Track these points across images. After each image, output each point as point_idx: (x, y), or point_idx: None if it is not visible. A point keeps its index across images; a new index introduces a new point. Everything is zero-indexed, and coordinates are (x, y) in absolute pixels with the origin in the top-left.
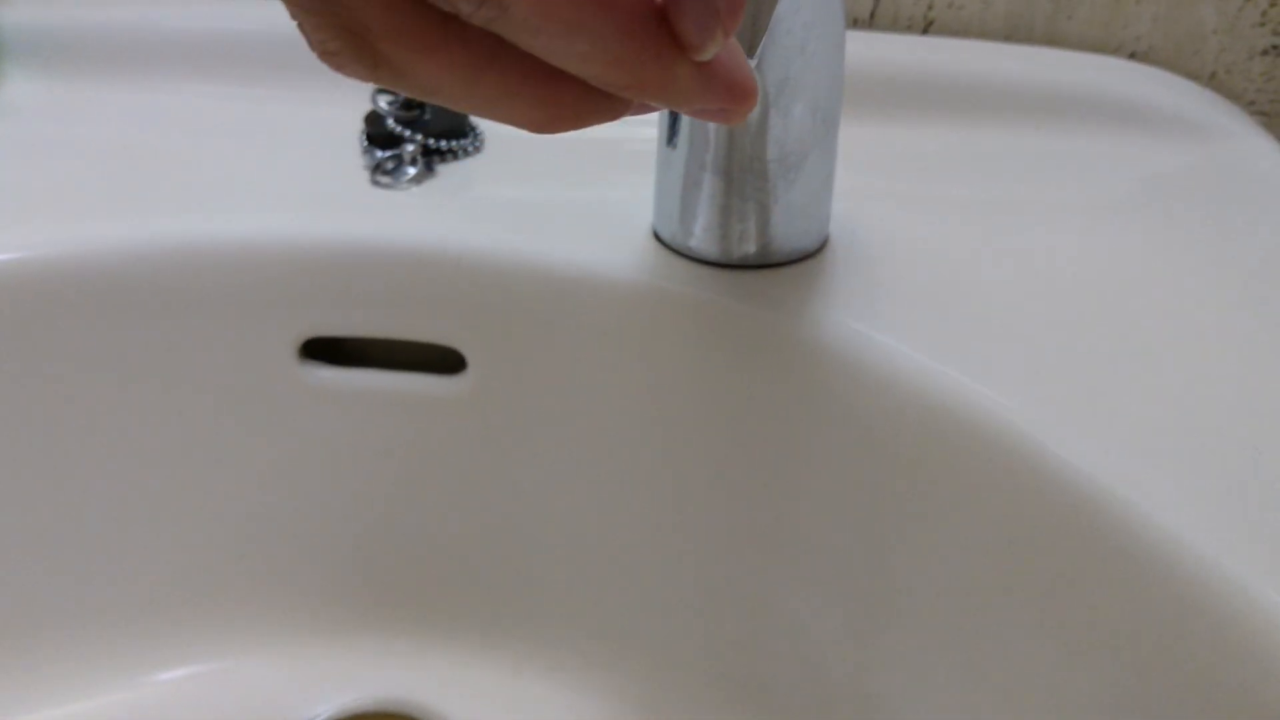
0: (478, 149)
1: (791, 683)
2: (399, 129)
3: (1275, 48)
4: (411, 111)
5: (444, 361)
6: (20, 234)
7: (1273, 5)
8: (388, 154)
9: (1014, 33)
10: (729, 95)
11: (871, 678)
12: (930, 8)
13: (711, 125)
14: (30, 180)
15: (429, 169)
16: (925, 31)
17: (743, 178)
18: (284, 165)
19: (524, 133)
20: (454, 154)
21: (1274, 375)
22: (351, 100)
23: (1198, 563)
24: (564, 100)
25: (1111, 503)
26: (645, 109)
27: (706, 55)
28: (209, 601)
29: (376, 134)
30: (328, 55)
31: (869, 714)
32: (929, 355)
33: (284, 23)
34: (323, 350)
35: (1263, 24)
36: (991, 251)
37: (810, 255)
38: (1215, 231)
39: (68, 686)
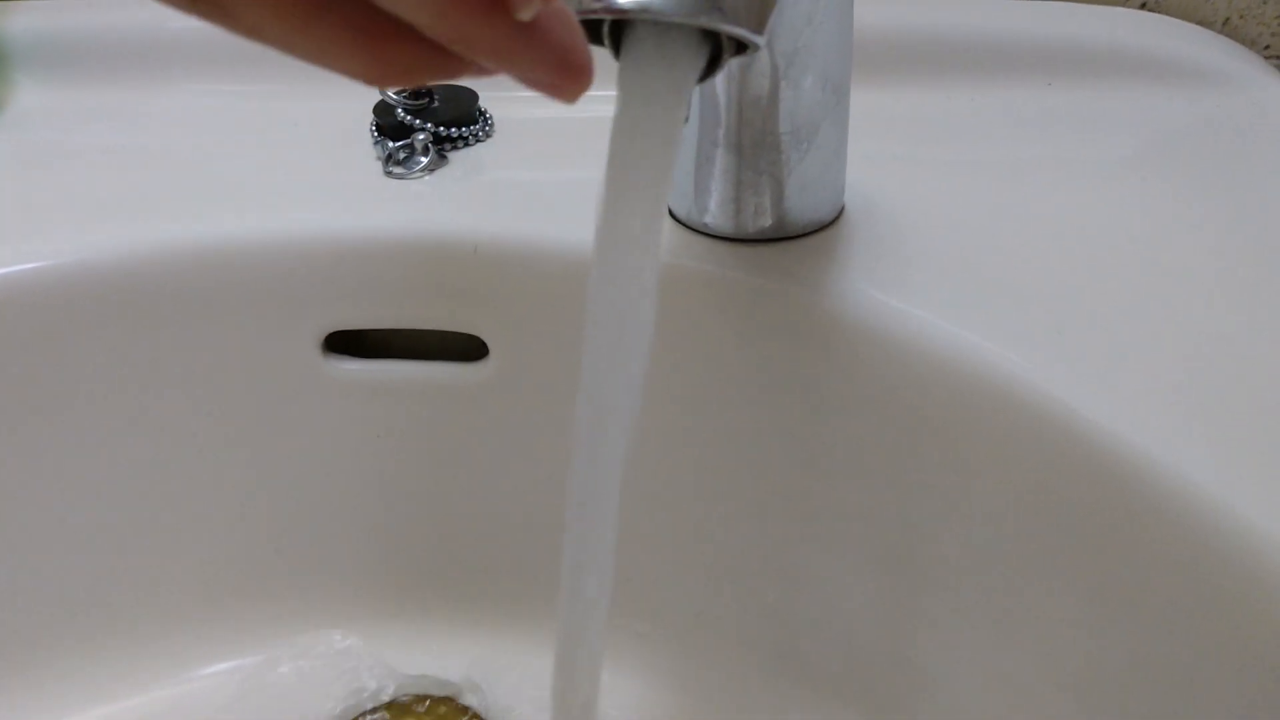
0: (488, 134)
1: (825, 649)
2: (409, 119)
3: None
4: (420, 101)
5: (466, 349)
6: (39, 243)
7: None
8: (399, 144)
9: None
10: (560, 68)
11: (904, 642)
12: None
13: (722, 100)
14: (45, 187)
15: (440, 156)
16: None
17: (755, 152)
18: (296, 161)
19: (533, 117)
20: (465, 140)
21: None
22: (360, 93)
23: (1231, 520)
24: (394, 57)
25: (1141, 462)
26: (483, 72)
27: (526, 15)
28: (248, 594)
29: (387, 125)
30: None
31: (902, 678)
32: (950, 320)
33: None
34: (345, 343)
35: None
36: (1008, 213)
37: (826, 225)
38: (1234, 182)
39: (114, 684)
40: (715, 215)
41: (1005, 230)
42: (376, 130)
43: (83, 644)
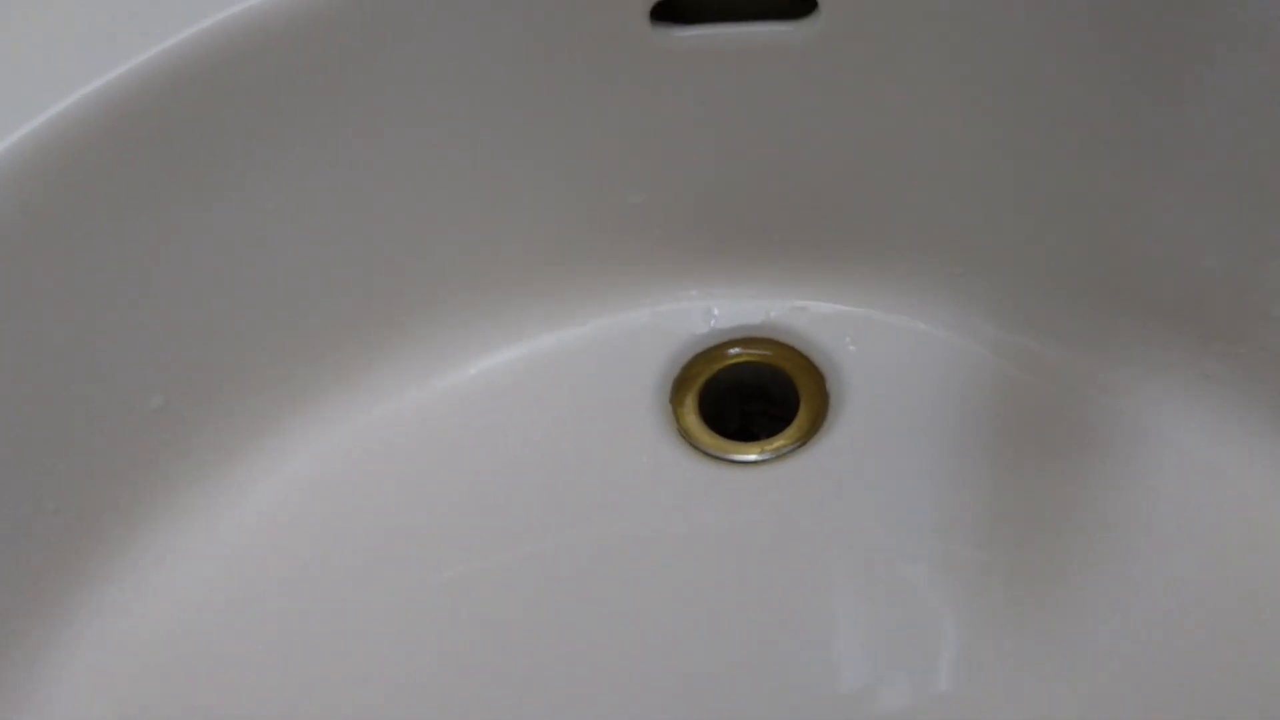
0: None
1: (1160, 280)
2: None
3: None
4: None
5: (791, 6)
6: None
7: None
8: None
9: None
10: None
11: (1247, 271)
12: None
13: None
14: None
15: None
16: None
17: None
18: None
19: None
20: None
21: None
22: None
23: None
24: None
25: None
26: None
27: None
28: (573, 262)
29: None
30: None
31: (1241, 309)
32: None
33: None
34: (667, 11)
35: None
36: None
37: None
38: None
39: (497, 334)
40: None
41: None
42: None
43: (461, 301)
